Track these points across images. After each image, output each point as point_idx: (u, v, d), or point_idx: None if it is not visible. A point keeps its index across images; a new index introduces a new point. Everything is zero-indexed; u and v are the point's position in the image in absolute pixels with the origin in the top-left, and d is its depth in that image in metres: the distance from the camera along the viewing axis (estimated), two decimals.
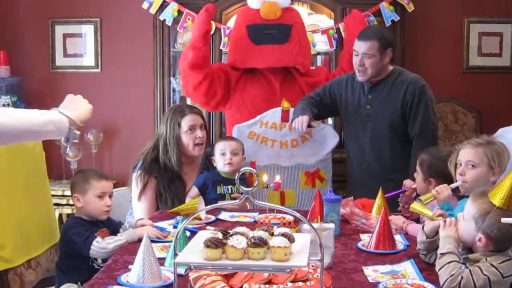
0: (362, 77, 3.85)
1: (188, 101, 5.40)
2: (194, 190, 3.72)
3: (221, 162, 3.76)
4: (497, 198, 2.24)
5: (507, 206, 2.23)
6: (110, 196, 3.21)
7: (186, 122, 3.77)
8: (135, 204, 3.73)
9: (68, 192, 3.33)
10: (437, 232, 2.57)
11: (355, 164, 4.02)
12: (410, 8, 5.09)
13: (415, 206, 2.75)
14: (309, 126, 3.91)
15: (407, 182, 3.38)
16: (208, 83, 4.31)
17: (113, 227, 3.21)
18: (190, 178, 3.83)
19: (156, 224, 3.19)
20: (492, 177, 2.83)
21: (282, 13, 4.34)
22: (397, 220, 3.13)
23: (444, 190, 2.88)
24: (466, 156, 2.89)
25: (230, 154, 3.76)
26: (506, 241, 2.25)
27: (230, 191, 3.73)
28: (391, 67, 3.91)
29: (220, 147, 3.79)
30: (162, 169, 3.74)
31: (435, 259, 2.37)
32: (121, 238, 2.98)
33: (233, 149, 3.77)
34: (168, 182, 3.72)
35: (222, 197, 3.71)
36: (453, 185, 2.89)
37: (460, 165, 2.91)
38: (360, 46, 3.82)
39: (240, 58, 4.39)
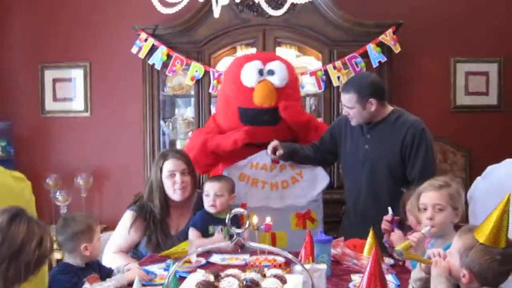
0: (353, 122, 3.88)
1: (178, 144, 5.43)
2: (194, 233, 3.68)
3: (206, 203, 3.77)
4: (482, 234, 2.25)
5: (492, 242, 2.24)
6: None
7: (166, 167, 3.78)
8: (117, 231, 3.78)
9: None
10: None
11: (351, 204, 3.99)
12: (397, 49, 5.15)
13: (410, 255, 2.73)
14: (275, 152, 3.97)
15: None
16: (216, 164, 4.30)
17: (105, 273, 3.18)
18: (183, 221, 3.82)
19: (146, 267, 3.17)
20: (456, 218, 2.84)
21: (277, 98, 4.05)
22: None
23: (421, 237, 2.88)
24: (432, 200, 2.88)
25: (213, 196, 3.74)
26: (490, 278, 2.25)
27: (220, 231, 3.72)
28: (390, 108, 3.89)
29: (205, 187, 3.78)
30: (149, 213, 3.77)
31: None
32: (110, 284, 2.96)
33: (217, 191, 3.75)
34: (153, 227, 3.73)
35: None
36: (425, 230, 2.89)
37: (425, 209, 2.90)
38: (342, 97, 3.86)
39: (229, 131, 4.18)
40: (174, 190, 3.77)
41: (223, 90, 4.32)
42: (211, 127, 4.29)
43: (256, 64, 4.08)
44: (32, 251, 2.24)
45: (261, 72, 4.06)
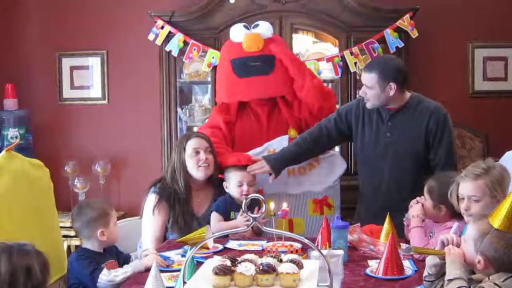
0: (368, 104, 3.84)
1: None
2: (217, 217, 3.72)
3: (238, 193, 3.77)
4: (496, 220, 2.25)
5: (507, 228, 2.23)
6: None
7: (190, 145, 3.80)
8: (145, 221, 3.77)
9: None
10: None
11: (371, 193, 3.94)
12: (414, 34, 5.12)
13: (421, 250, 2.71)
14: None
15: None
16: None
17: (123, 259, 3.21)
18: (203, 204, 3.85)
19: (163, 253, 3.19)
20: (497, 204, 2.82)
21: (265, 44, 4.16)
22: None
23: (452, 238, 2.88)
24: (468, 191, 2.89)
25: (247, 186, 3.76)
26: (506, 263, 2.24)
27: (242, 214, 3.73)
28: (409, 94, 3.84)
29: (237, 177, 3.78)
30: (172, 195, 3.77)
31: (441, 286, 2.36)
32: (127, 270, 2.99)
33: (250, 181, 3.79)
34: (178, 209, 3.74)
35: None
36: (453, 229, 2.88)
37: (463, 199, 2.91)
38: (363, 77, 3.79)
39: (227, 93, 4.25)
40: (198, 167, 3.77)
41: (220, 63, 4.49)
42: (216, 120, 4.28)
43: (242, 24, 4.34)
44: (22, 285, 2.16)
45: (246, 27, 4.27)
